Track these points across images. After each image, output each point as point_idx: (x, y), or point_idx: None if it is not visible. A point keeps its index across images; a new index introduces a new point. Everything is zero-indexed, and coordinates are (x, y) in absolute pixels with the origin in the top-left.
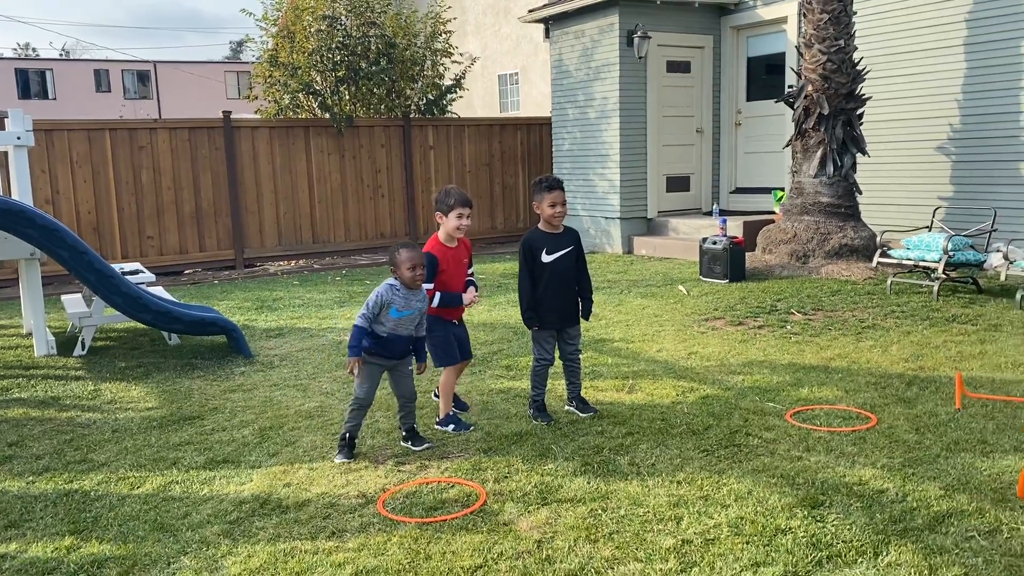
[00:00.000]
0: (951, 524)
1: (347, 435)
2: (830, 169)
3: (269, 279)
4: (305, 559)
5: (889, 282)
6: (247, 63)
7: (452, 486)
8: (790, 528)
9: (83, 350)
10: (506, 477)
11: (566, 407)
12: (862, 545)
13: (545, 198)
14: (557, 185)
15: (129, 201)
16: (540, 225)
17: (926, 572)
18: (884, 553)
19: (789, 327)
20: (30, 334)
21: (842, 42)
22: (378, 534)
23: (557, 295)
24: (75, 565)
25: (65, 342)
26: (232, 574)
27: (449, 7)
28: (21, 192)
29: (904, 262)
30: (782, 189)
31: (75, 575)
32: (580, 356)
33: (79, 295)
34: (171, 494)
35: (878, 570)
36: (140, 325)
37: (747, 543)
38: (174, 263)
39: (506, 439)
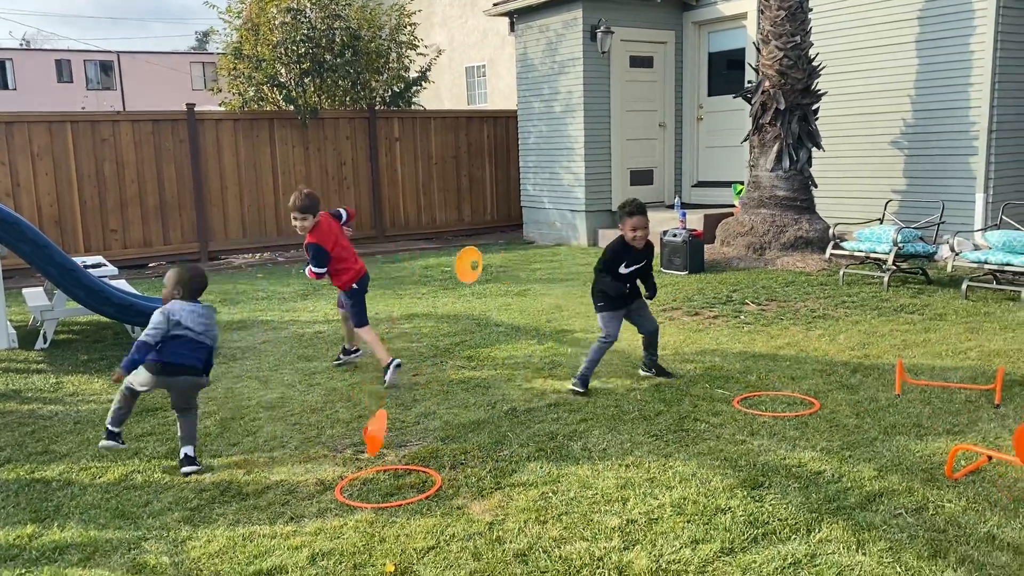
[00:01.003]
0: (882, 502)
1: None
2: (786, 163)
3: (233, 272)
4: (263, 543)
5: (841, 273)
6: (213, 54)
7: (409, 473)
8: (730, 507)
9: (45, 343)
10: (462, 463)
11: (642, 373)
12: (796, 523)
13: (627, 222)
14: (639, 211)
15: (92, 194)
16: (625, 238)
17: (854, 547)
18: (816, 530)
19: (743, 317)
20: None
21: (798, 38)
22: (335, 519)
23: (624, 290)
24: (37, 552)
25: (27, 335)
26: (192, 557)
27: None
28: None
29: (856, 254)
30: (742, 183)
31: (37, 561)
32: (659, 332)
33: (41, 288)
34: (133, 483)
35: (809, 545)
36: (103, 318)
37: (688, 522)
38: (138, 256)
39: (464, 427)
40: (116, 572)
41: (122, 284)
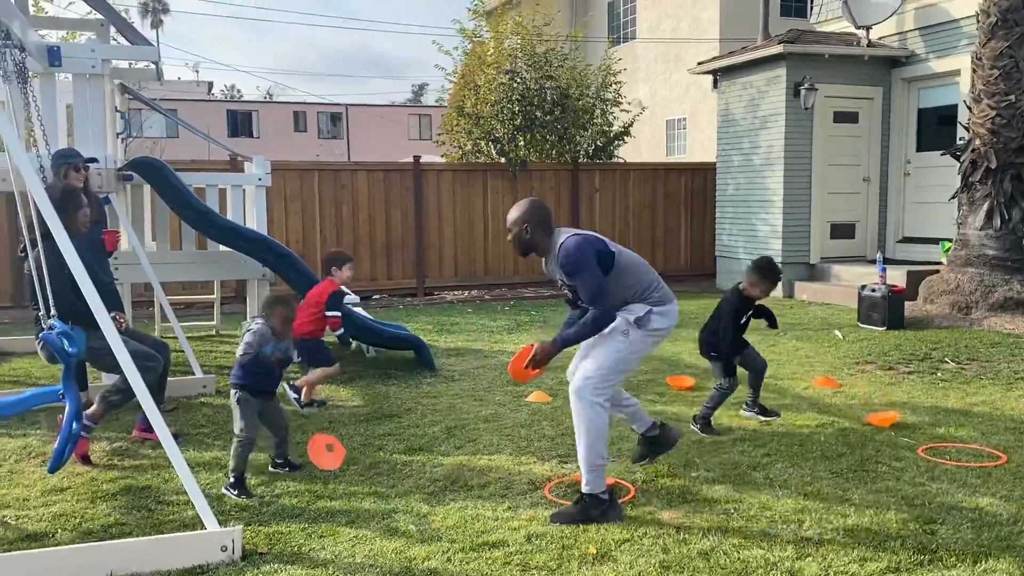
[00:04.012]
0: None
1: (241, 474)
2: (997, 222)
3: (447, 306)
4: (487, 523)
5: None
6: (428, 107)
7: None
8: (901, 536)
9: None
10: (653, 480)
11: (744, 413)
12: (964, 554)
13: (767, 286)
14: (777, 277)
15: (331, 233)
16: (755, 293)
17: None
18: (983, 561)
19: (939, 374)
20: None
21: (1012, 97)
22: (545, 510)
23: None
24: (314, 512)
25: None
26: (433, 528)
27: (620, 58)
28: (258, 224)
29: None
30: (951, 240)
31: (316, 519)
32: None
33: None
34: (380, 471)
35: (973, 572)
36: None
37: (859, 544)
38: (365, 289)
39: None
40: (376, 532)
41: (360, 311)
